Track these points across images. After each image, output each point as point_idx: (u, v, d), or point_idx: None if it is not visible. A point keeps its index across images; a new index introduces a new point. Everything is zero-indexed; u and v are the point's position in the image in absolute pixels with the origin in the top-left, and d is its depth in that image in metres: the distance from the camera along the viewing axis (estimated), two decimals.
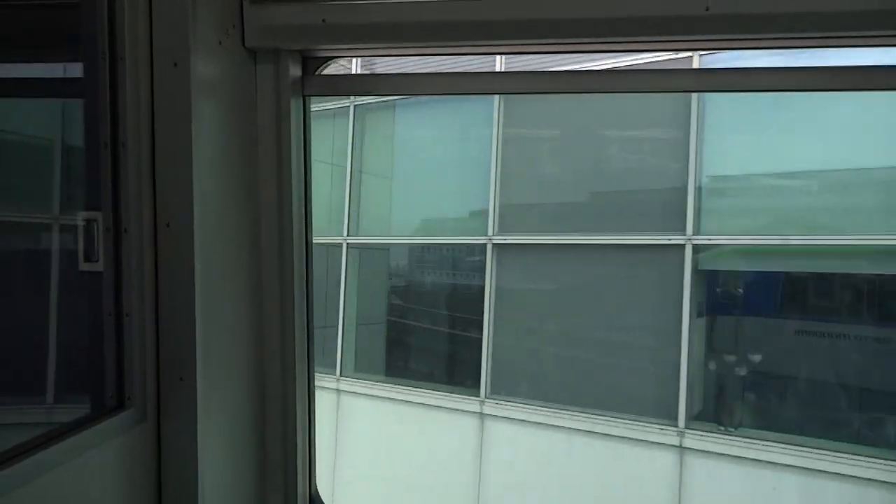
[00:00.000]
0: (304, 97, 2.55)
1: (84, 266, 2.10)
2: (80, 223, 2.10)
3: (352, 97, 11.56)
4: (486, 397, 10.45)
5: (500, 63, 8.97)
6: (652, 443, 9.14)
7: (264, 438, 2.54)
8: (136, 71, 2.07)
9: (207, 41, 2.20)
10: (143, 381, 2.10)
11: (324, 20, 2.33)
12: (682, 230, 9.08)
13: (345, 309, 11.97)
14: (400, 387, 11.25)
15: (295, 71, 2.49)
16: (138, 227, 2.09)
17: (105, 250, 2.05)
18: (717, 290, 9.51)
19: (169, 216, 2.13)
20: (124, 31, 2.03)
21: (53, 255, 2.23)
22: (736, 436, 8.78)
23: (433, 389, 11.04)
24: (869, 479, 7.92)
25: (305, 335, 2.59)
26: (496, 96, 10.03)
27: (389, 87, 2.61)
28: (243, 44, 2.38)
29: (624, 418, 9.36)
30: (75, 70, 2.17)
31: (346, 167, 12.01)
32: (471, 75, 2.58)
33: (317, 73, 2.58)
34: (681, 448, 8.96)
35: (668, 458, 9.04)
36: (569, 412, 9.70)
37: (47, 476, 1.77)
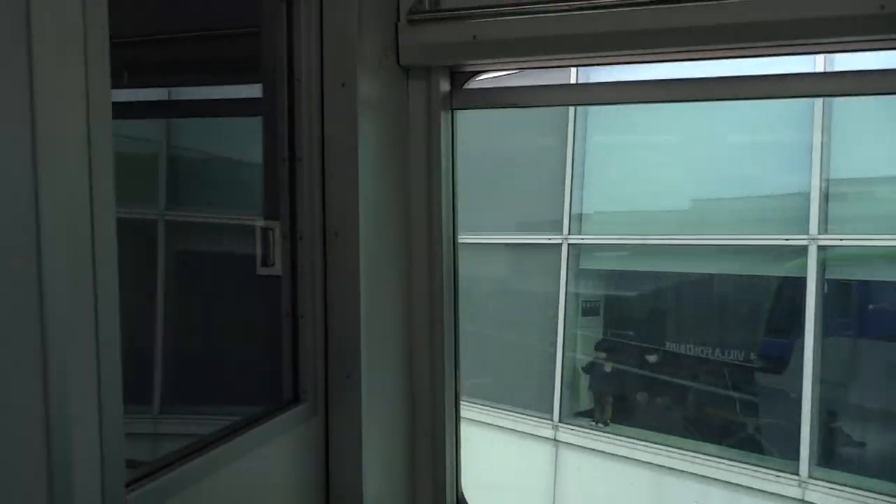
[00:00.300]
0: (452, 110, 2.66)
1: (261, 270, 2.31)
2: (259, 231, 2.30)
3: None
4: None
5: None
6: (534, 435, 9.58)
7: (414, 437, 2.66)
8: (310, 91, 2.25)
9: (369, 62, 2.36)
10: (315, 377, 2.27)
11: (474, 36, 2.43)
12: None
13: None
14: None
15: (444, 86, 2.61)
16: (311, 234, 2.26)
17: (282, 256, 2.24)
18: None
19: (337, 225, 2.30)
20: (300, 56, 2.22)
21: (236, 260, 2.46)
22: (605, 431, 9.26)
23: None
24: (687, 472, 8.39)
25: (453, 338, 2.70)
26: None
27: (535, 98, 2.69)
28: (398, 62, 2.52)
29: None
30: (255, 91, 2.38)
31: None
32: (617, 85, 2.61)
33: (463, 86, 2.69)
34: (556, 441, 9.40)
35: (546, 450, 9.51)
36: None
37: (239, 462, 1.95)
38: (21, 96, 1.17)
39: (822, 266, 7.98)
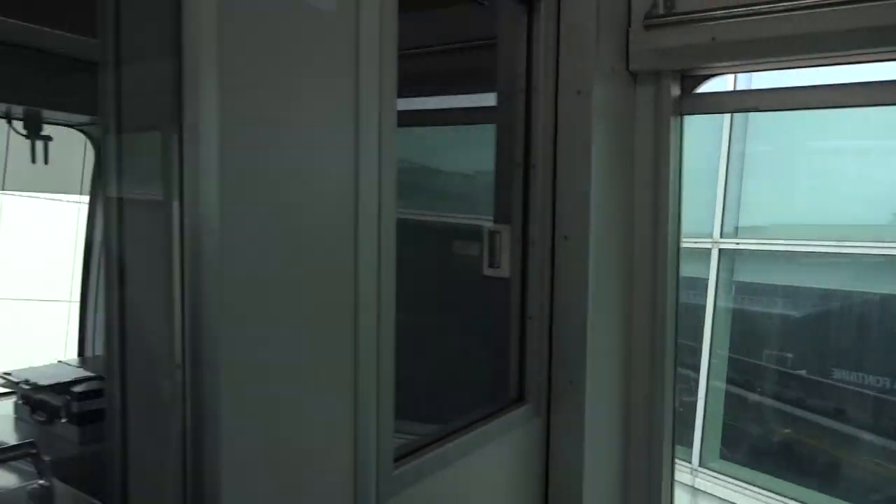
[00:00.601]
0: (681, 115, 2.59)
1: (487, 272, 2.39)
2: (486, 234, 2.39)
3: None
4: None
5: None
6: None
7: (629, 448, 2.61)
8: (546, 99, 2.30)
9: (604, 69, 2.36)
10: (539, 379, 2.31)
11: (713, 38, 2.35)
12: None
13: None
14: None
15: (674, 90, 2.54)
16: (541, 238, 2.31)
17: (512, 259, 2.31)
18: None
19: (567, 229, 2.32)
20: (538, 65, 2.28)
21: (463, 261, 2.58)
22: None
23: None
24: None
25: (673, 351, 2.61)
26: None
27: (773, 102, 2.52)
28: (627, 68, 2.50)
29: None
30: (489, 100, 2.48)
31: None
32: (863, 85, 2.38)
33: (693, 91, 2.60)
34: None
35: None
36: None
37: (474, 453, 2.04)
38: (349, 107, 1.34)
39: None
